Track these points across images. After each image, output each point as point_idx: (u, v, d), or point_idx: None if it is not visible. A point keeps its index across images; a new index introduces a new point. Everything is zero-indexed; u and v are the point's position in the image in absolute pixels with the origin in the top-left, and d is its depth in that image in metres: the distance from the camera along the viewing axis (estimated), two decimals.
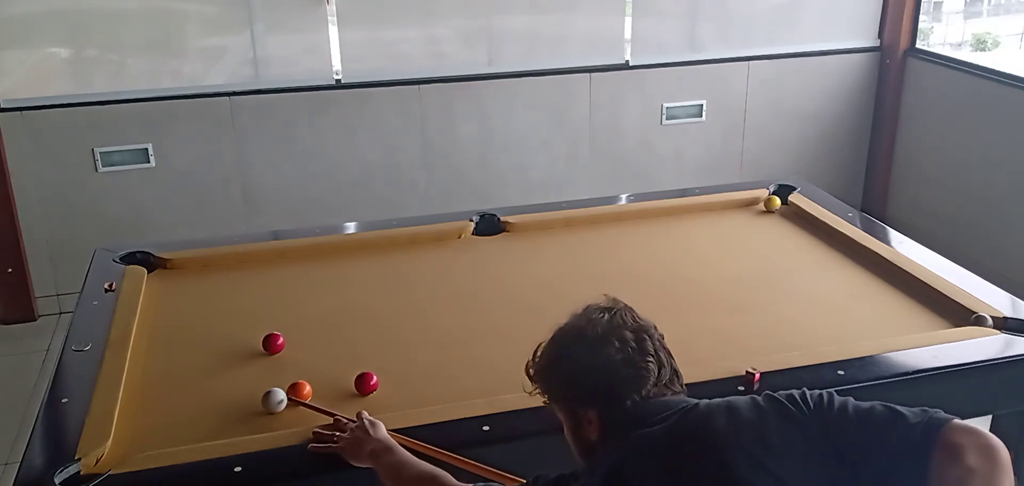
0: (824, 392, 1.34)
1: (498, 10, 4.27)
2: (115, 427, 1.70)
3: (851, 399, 1.33)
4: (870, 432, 1.27)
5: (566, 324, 1.46)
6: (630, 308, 1.45)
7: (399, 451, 1.59)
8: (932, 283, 2.23)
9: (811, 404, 1.32)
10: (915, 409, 1.28)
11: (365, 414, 1.69)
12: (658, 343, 1.42)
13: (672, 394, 1.41)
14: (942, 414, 1.27)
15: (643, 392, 1.37)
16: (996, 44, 5.34)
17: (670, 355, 1.43)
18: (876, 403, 1.31)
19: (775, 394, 1.36)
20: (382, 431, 1.64)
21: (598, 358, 1.39)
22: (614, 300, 1.46)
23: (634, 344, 1.39)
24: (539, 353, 1.47)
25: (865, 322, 2.13)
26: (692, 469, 1.28)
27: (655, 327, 1.44)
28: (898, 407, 1.29)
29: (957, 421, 1.25)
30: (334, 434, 1.66)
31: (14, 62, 3.89)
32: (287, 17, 4.05)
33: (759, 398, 1.36)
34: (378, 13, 4.15)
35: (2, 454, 3.05)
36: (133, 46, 3.95)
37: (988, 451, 1.21)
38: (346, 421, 1.70)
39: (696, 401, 1.38)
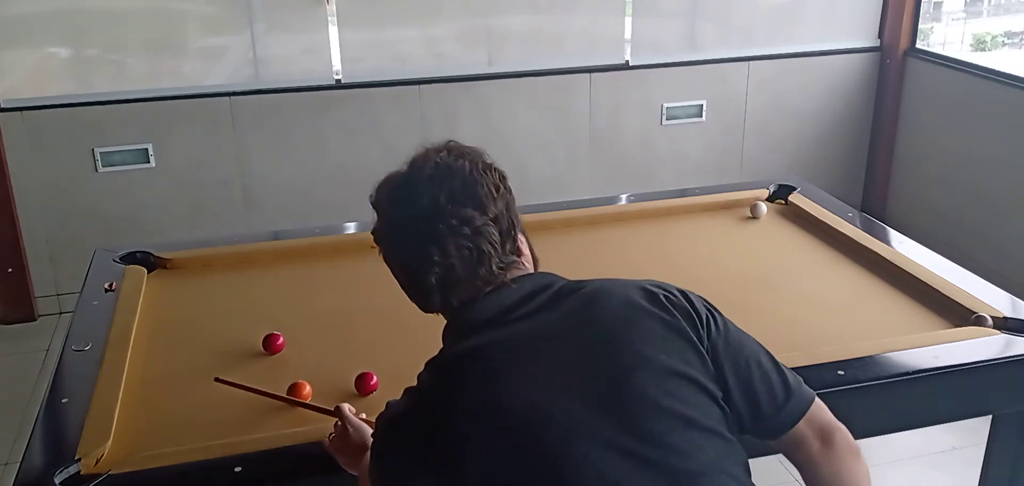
0: (715, 313, 1.31)
1: (498, 10, 4.27)
2: (115, 427, 1.70)
3: (745, 340, 1.32)
4: (752, 381, 1.28)
5: (383, 186, 1.34)
6: (436, 180, 1.28)
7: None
8: (932, 283, 2.23)
9: (710, 328, 1.28)
10: (790, 376, 1.32)
11: (346, 408, 1.60)
12: (454, 246, 1.26)
13: (497, 281, 1.30)
14: (807, 393, 1.32)
15: (435, 302, 1.30)
16: (996, 44, 5.34)
17: (477, 254, 1.27)
18: (762, 354, 1.32)
19: (668, 300, 1.28)
20: (366, 434, 1.54)
21: (385, 249, 1.31)
22: (436, 160, 1.31)
23: (414, 247, 1.26)
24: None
25: (865, 322, 2.13)
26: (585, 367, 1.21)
27: (463, 211, 1.27)
28: (782, 369, 1.32)
29: (817, 406, 1.32)
30: (329, 433, 1.65)
31: (14, 62, 3.89)
32: (287, 17, 4.05)
33: (647, 305, 1.26)
34: (378, 13, 4.15)
35: (2, 454, 3.05)
36: (133, 46, 3.95)
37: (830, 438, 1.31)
38: (320, 410, 1.67)
39: (546, 286, 1.30)
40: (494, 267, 1.29)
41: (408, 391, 1.31)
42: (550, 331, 1.25)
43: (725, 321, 1.33)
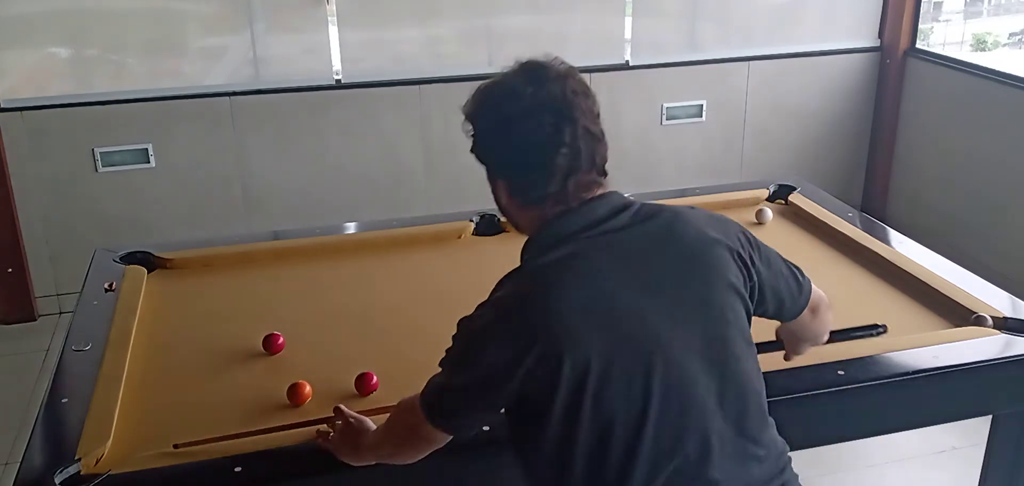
0: (754, 242, 1.51)
1: (498, 10, 4.27)
2: (115, 427, 1.70)
3: (772, 257, 1.54)
4: (781, 291, 1.54)
5: (492, 85, 1.43)
6: (562, 75, 1.40)
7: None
8: (932, 283, 2.23)
9: (755, 258, 1.48)
10: (799, 275, 1.59)
11: (344, 409, 1.64)
12: (582, 128, 1.38)
13: (596, 189, 1.42)
14: (808, 285, 1.60)
15: (555, 185, 1.38)
16: (996, 44, 5.34)
17: (595, 140, 1.41)
18: (782, 263, 1.56)
19: (724, 231, 1.47)
20: (366, 424, 1.61)
21: (508, 135, 1.39)
22: (551, 71, 1.41)
23: (550, 127, 1.36)
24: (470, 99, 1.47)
25: (865, 322, 2.12)
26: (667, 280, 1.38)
27: (584, 102, 1.40)
28: (795, 272, 1.58)
29: (813, 292, 1.62)
30: (328, 432, 1.65)
31: (14, 62, 3.89)
32: (287, 17, 4.05)
33: (713, 233, 1.45)
34: (378, 13, 4.15)
35: (2, 454, 3.05)
36: (133, 46, 3.95)
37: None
38: (307, 424, 1.69)
39: (624, 207, 1.42)
40: (602, 160, 1.43)
41: (489, 302, 1.39)
42: (640, 245, 1.40)
43: (760, 247, 1.52)
